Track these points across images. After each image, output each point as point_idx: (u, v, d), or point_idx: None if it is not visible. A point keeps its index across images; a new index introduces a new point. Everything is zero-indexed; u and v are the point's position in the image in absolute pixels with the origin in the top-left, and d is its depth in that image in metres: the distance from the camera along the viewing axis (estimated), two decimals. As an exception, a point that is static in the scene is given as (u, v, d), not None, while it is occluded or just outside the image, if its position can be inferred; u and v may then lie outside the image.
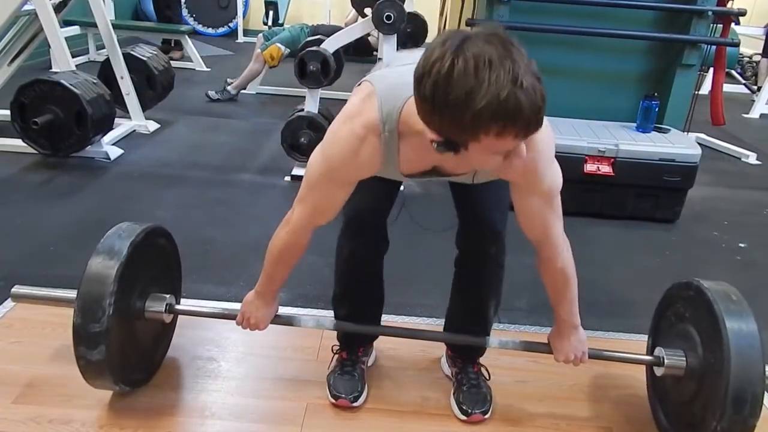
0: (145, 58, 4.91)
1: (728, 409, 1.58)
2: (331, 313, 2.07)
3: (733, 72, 7.99)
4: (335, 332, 2.07)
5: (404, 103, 1.43)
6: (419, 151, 1.46)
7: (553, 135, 1.56)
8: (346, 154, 1.51)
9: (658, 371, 1.86)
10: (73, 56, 4.39)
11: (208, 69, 7.39)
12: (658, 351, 1.86)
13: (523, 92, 1.15)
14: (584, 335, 1.86)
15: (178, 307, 2.00)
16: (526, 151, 1.32)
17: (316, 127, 3.86)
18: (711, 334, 1.69)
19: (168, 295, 1.94)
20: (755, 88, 7.89)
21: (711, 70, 4.16)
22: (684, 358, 1.79)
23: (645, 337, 2.42)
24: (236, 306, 1.93)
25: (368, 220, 1.85)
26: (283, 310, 1.97)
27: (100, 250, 1.76)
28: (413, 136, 1.43)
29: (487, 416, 1.95)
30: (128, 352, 1.84)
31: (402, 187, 1.95)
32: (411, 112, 1.35)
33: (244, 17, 9.80)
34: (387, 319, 2.07)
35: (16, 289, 2.00)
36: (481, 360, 2.07)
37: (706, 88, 4.73)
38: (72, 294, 1.76)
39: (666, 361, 1.82)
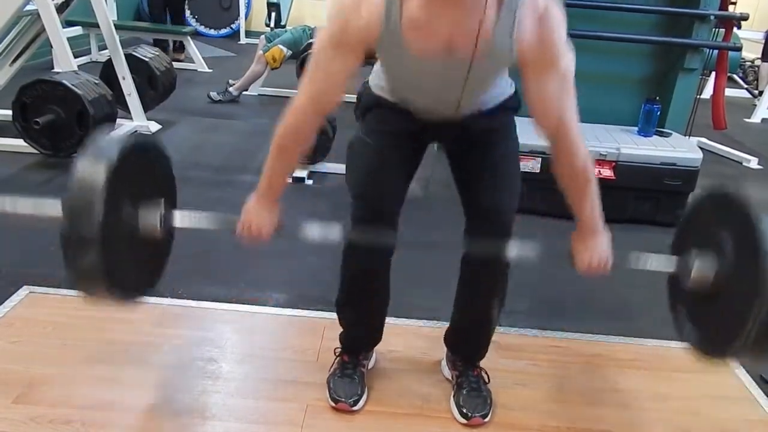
0: (147, 59, 4.91)
1: (762, 316, 1.43)
2: (333, 318, 2.07)
3: (735, 76, 7.99)
4: (337, 335, 2.07)
5: None
6: (424, 11, 1.45)
7: (564, 17, 1.50)
8: (349, 8, 1.49)
9: (686, 278, 1.69)
10: (75, 56, 4.39)
11: (210, 70, 7.40)
12: (686, 256, 1.70)
13: None
14: (608, 240, 1.74)
15: (173, 218, 1.80)
16: (542, 28, 1.40)
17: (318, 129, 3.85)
18: (745, 240, 1.53)
19: (162, 206, 1.75)
20: (757, 92, 7.89)
21: (713, 74, 4.17)
22: (715, 264, 1.63)
23: (645, 341, 2.43)
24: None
25: (379, 219, 1.80)
26: (282, 315, 1.96)
27: (88, 150, 1.58)
28: None
29: (487, 420, 1.94)
30: (121, 262, 1.66)
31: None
32: None
33: (246, 18, 9.81)
34: (387, 321, 2.07)
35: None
36: (481, 363, 2.07)
37: (707, 92, 4.73)
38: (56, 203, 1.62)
39: (695, 266, 1.65)
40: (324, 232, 1.77)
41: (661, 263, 1.78)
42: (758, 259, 1.46)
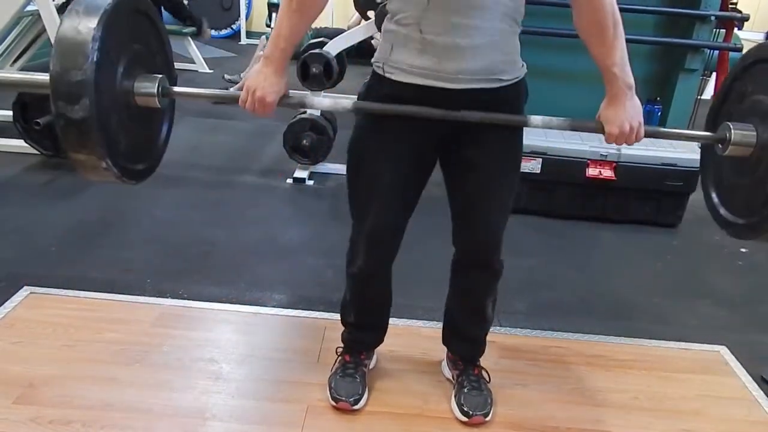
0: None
1: None
2: (334, 320, 2.07)
3: (736, 77, 7.98)
4: (337, 335, 2.07)
5: None
6: None
7: None
8: None
9: (723, 149, 1.60)
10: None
11: (211, 70, 7.40)
12: (725, 126, 1.59)
13: None
14: (639, 105, 1.62)
15: (171, 89, 1.69)
16: None
17: (319, 129, 3.87)
18: None
19: (159, 76, 1.64)
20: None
21: (714, 74, 4.16)
22: (755, 133, 1.55)
23: (646, 342, 2.43)
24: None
25: (386, 237, 1.82)
26: (284, 315, 1.94)
27: (79, 3, 1.46)
28: None
29: (488, 419, 1.94)
30: (117, 128, 1.56)
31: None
32: None
33: (247, 19, 9.81)
34: (390, 323, 2.07)
35: None
36: (482, 363, 2.07)
37: (708, 93, 4.72)
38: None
39: (733, 136, 1.56)
40: (334, 102, 1.69)
41: (696, 135, 1.70)
42: None
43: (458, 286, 1.99)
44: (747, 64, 1.66)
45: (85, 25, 1.40)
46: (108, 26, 1.43)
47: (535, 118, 1.64)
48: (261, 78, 1.63)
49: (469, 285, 1.96)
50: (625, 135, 1.58)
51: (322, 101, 1.70)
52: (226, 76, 6.66)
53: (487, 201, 1.77)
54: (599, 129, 1.61)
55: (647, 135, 1.59)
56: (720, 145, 1.61)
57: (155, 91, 1.61)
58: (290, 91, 1.70)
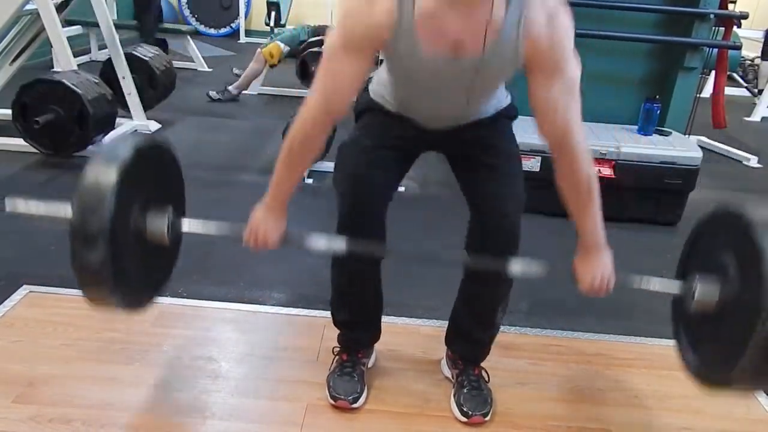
0: (146, 58, 4.92)
1: (761, 346, 1.42)
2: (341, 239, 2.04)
3: (735, 75, 7.99)
4: (336, 334, 2.07)
5: None
6: (436, 8, 1.45)
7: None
8: (361, 8, 1.48)
9: (689, 302, 1.68)
10: (75, 56, 4.39)
11: (210, 69, 7.40)
12: (690, 280, 1.68)
13: None
14: (611, 259, 1.71)
15: (181, 226, 1.81)
16: (550, 30, 1.44)
17: (318, 128, 3.86)
18: (750, 265, 1.51)
19: (171, 213, 1.76)
20: (756, 91, 7.88)
21: (713, 73, 4.17)
22: (718, 289, 1.61)
23: (645, 340, 2.43)
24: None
25: (365, 216, 1.80)
26: (283, 314, 1.95)
27: (101, 151, 1.62)
28: None
29: (487, 418, 1.94)
30: (128, 268, 1.66)
31: (402, 188, 1.93)
32: None
33: (246, 18, 9.81)
34: (387, 321, 2.07)
35: (11, 200, 1.87)
36: (482, 363, 2.07)
37: (707, 91, 4.74)
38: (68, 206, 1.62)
39: (698, 290, 1.64)
40: (329, 243, 1.77)
41: (664, 285, 1.76)
42: (761, 283, 1.44)
43: (468, 291, 1.97)
44: (715, 218, 1.74)
45: (106, 174, 1.54)
46: (127, 175, 1.55)
47: (515, 266, 1.72)
48: (263, 223, 1.76)
49: (480, 290, 1.94)
50: (595, 289, 1.69)
51: (318, 241, 1.77)
52: (235, 70, 6.70)
53: (493, 172, 1.81)
54: (573, 279, 1.73)
55: (617, 285, 1.71)
56: (686, 298, 1.69)
57: (165, 230, 1.73)
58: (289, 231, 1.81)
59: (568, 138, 1.57)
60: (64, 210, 1.66)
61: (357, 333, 2.07)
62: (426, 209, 3.51)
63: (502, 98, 1.84)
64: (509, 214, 1.80)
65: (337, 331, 2.07)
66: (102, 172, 1.54)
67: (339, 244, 1.77)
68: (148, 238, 1.72)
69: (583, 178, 1.62)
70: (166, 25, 7.79)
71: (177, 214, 1.79)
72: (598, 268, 1.69)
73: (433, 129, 1.81)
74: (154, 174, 1.75)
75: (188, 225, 1.82)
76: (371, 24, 1.49)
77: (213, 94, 5.99)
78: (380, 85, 1.84)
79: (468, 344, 2.06)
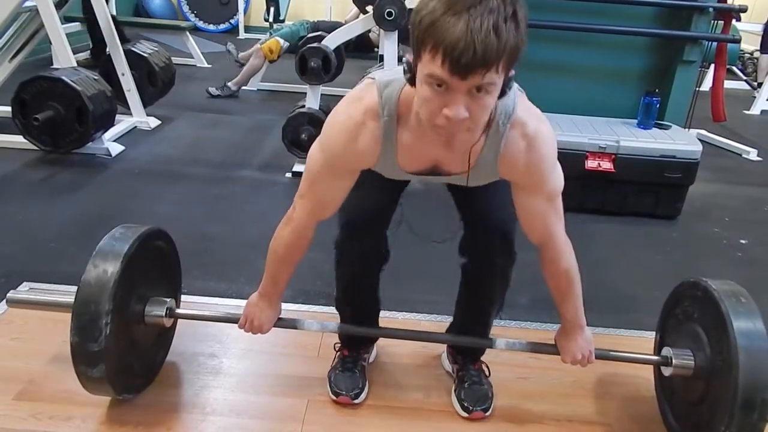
0: (146, 55, 4.92)
1: (737, 413, 1.55)
2: (333, 313, 2.07)
3: (734, 68, 7.98)
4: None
5: (404, 86, 1.43)
6: (417, 140, 1.48)
7: (555, 137, 1.54)
8: (345, 141, 1.51)
9: (666, 371, 1.84)
10: (74, 53, 4.38)
11: (209, 65, 7.39)
12: (666, 351, 1.84)
13: (472, 22, 1.13)
14: (590, 335, 1.85)
15: (178, 310, 1.97)
16: (528, 157, 1.46)
17: (317, 123, 3.86)
18: (719, 335, 1.66)
19: (168, 299, 1.91)
20: (756, 84, 7.87)
21: (712, 66, 4.16)
22: (692, 359, 1.76)
23: (646, 333, 2.42)
24: (239, 306, 1.92)
25: (366, 227, 1.81)
26: (286, 311, 1.95)
27: (93, 263, 1.71)
28: (412, 121, 1.45)
29: (488, 414, 1.94)
30: (129, 360, 1.81)
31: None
32: (410, 92, 1.38)
33: (245, 14, 9.81)
34: (390, 316, 2.07)
35: (12, 295, 1.96)
36: (482, 356, 2.07)
37: (707, 85, 4.72)
38: (71, 298, 1.72)
39: (674, 361, 1.79)
40: (321, 325, 1.97)
41: (642, 358, 1.98)
42: (730, 355, 1.59)
43: (468, 285, 1.97)
44: (693, 290, 1.84)
45: (99, 294, 1.67)
46: (119, 288, 1.69)
47: (500, 342, 1.93)
48: (257, 310, 1.87)
49: (477, 282, 1.94)
50: (577, 362, 1.84)
51: (312, 324, 1.96)
52: (230, 46, 6.70)
53: (493, 195, 1.78)
54: (556, 352, 1.88)
55: (598, 358, 1.86)
56: (663, 367, 1.86)
57: (164, 314, 1.88)
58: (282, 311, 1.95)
59: (548, 241, 1.67)
60: (66, 302, 1.78)
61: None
62: (429, 202, 3.51)
63: None
64: (504, 222, 1.80)
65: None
66: (95, 292, 1.66)
67: (332, 327, 1.96)
68: (146, 325, 1.88)
69: (563, 270, 1.71)
70: (165, 22, 7.77)
71: (175, 299, 1.99)
72: (579, 344, 1.83)
73: None
74: (149, 266, 1.89)
75: (185, 309, 2.02)
76: (354, 156, 1.53)
77: (212, 90, 5.99)
78: None
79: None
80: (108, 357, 1.66)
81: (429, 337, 2.12)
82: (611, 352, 1.92)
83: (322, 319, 2.33)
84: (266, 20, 8.12)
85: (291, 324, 1.95)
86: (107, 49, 4.72)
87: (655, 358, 1.92)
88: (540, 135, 1.49)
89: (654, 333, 2.03)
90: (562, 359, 1.86)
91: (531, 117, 1.49)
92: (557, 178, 1.58)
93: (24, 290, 1.99)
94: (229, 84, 6.03)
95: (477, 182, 1.62)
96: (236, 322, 1.90)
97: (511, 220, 1.78)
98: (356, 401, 1.96)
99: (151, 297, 1.88)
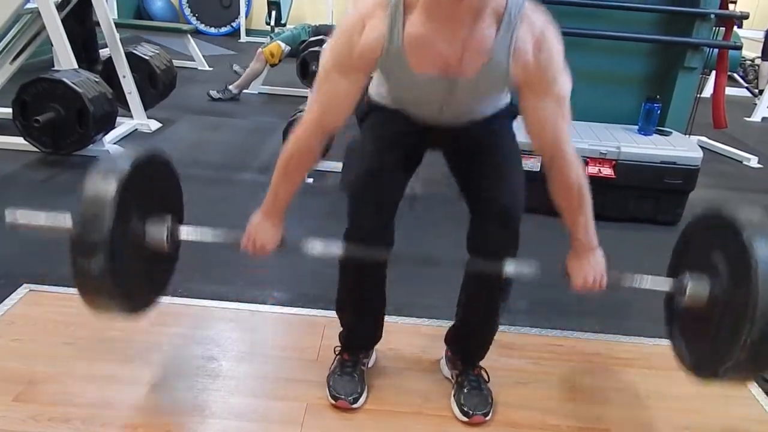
0: (147, 57, 4.92)
1: (753, 339, 1.46)
2: (333, 317, 2.07)
3: (736, 75, 7.99)
4: (337, 333, 2.07)
5: None
6: (425, 32, 1.49)
7: (561, 40, 1.57)
8: (351, 33, 1.54)
9: (680, 298, 1.72)
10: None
11: (211, 68, 7.40)
12: (681, 277, 1.72)
13: None
14: (602, 258, 1.76)
15: (180, 233, 1.83)
16: (539, 53, 1.48)
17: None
18: (738, 261, 1.56)
19: (170, 221, 1.80)
20: (757, 91, 7.88)
21: (713, 72, 4.17)
22: (708, 285, 1.66)
23: (644, 340, 2.43)
24: (237, 306, 1.91)
25: (374, 219, 1.81)
26: (284, 311, 1.95)
27: (100, 166, 1.63)
28: (419, 13, 1.48)
29: (488, 418, 1.94)
30: (128, 275, 1.70)
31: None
32: None
33: (246, 17, 9.82)
34: (388, 320, 2.07)
35: (11, 212, 1.88)
36: (481, 362, 2.07)
37: (708, 91, 4.73)
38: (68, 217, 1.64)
39: (689, 287, 1.68)
40: (326, 248, 1.80)
41: (656, 283, 1.80)
42: (749, 280, 1.49)
43: (469, 286, 1.97)
44: (707, 216, 1.78)
45: (105, 187, 1.56)
46: (127, 187, 1.59)
47: (509, 266, 1.75)
48: (260, 229, 1.81)
49: (481, 290, 1.93)
50: (587, 286, 1.72)
51: (315, 246, 1.79)
52: (235, 67, 6.73)
53: (500, 169, 1.83)
54: (566, 277, 1.76)
55: (609, 285, 1.75)
56: (677, 295, 1.74)
57: (165, 237, 1.77)
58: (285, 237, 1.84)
59: (558, 150, 1.63)
60: (64, 220, 1.68)
61: (361, 332, 2.07)
62: (429, 208, 3.51)
63: (501, 99, 1.84)
64: (508, 209, 1.80)
65: (338, 331, 2.07)
66: (102, 183, 1.57)
67: (335, 249, 1.80)
68: (147, 245, 1.76)
69: (574, 182, 1.67)
70: (167, 24, 7.78)
71: (175, 222, 1.83)
72: (591, 267, 1.73)
73: (432, 125, 1.82)
74: (152, 185, 1.79)
75: (186, 233, 1.85)
76: (362, 46, 1.54)
77: (214, 93, 5.99)
78: (380, 85, 1.86)
79: (468, 342, 2.06)
80: (109, 249, 1.54)
81: (440, 260, 1.92)
82: (625, 279, 1.79)
83: (321, 323, 2.33)
84: (268, 23, 8.14)
85: (295, 246, 1.84)
86: (94, 55, 4.73)
87: (670, 284, 1.78)
88: (549, 32, 1.53)
89: (653, 339, 2.03)
90: (572, 284, 1.75)
91: (540, 15, 1.53)
92: (566, 81, 1.58)
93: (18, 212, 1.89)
94: (231, 87, 6.04)
95: (487, 90, 1.65)
96: (239, 245, 1.83)
97: (519, 207, 1.80)
98: (355, 405, 1.96)
99: (152, 218, 1.78)
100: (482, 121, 1.82)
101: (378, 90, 1.88)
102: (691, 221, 1.86)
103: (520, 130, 1.75)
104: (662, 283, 1.80)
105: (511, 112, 1.87)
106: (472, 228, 1.85)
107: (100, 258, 1.54)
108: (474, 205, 1.85)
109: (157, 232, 1.76)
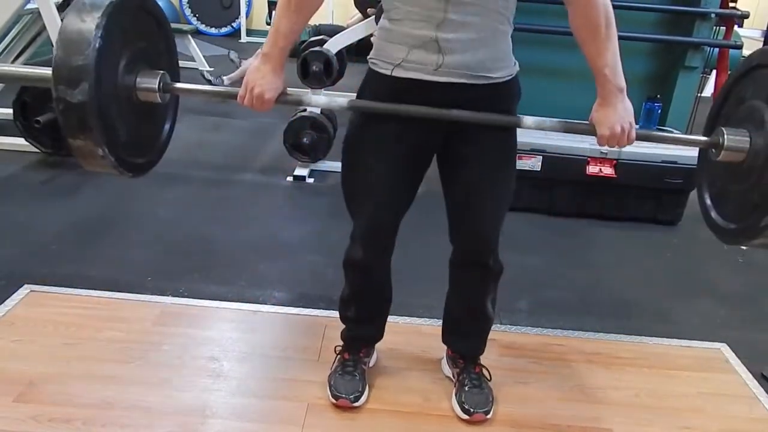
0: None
1: None
2: (335, 317, 2.07)
3: (736, 74, 7.97)
4: (338, 333, 2.07)
5: None
6: None
7: None
8: None
9: (716, 154, 1.60)
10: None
11: (212, 68, 7.39)
12: (718, 131, 1.60)
13: None
14: (630, 107, 1.60)
15: (173, 85, 1.71)
16: None
17: (319, 127, 3.87)
18: None
19: (162, 72, 1.67)
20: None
21: (714, 72, 4.16)
22: (748, 139, 1.55)
23: (646, 339, 2.43)
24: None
25: (381, 235, 1.83)
26: (285, 311, 1.94)
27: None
28: None
29: (489, 416, 1.94)
30: (117, 124, 1.59)
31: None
32: None
33: (247, 17, 9.81)
34: (388, 320, 2.07)
35: None
36: (482, 361, 2.07)
37: (708, 91, 4.73)
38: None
39: (727, 141, 1.57)
40: (329, 100, 1.72)
41: (690, 138, 1.69)
42: None
43: (456, 285, 1.99)
44: (748, 68, 1.66)
45: (90, 15, 1.45)
46: (112, 18, 1.48)
47: (528, 119, 1.63)
48: (259, 75, 1.66)
49: (466, 284, 1.96)
50: (616, 137, 1.58)
51: (318, 99, 1.73)
52: (232, 54, 6.73)
53: (481, 197, 1.77)
54: (592, 131, 1.61)
55: (639, 138, 1.59)
56: (713, 150, 1.63)
57: (156, 86, 1.64)
58: (288, 88, 1.71)
59: None
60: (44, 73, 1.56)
61: (363, 329, 2.07)
62: (428, 207, 3.51)
63: (509, 60, 1.69)
64: (487, 241, 1.82)
65: (340, 330, 2.07)
66: (86, 11, 1.46)
67: (340, 102, 1.72)
68: (138, 95, 1.65)
69: (600, 8, 1.53)
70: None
71: (169, 74, 1.70)
72: (617, 115, 1.58)
73: (437, 84, 1.61)
74: (141, 32, 1.66)
75: (179, 86, 1.73)
76: None
77: (206, 74, 6.10)
78: (380, 39, 1.71)
79: (462, 339, 2.07)
80: (94, 77, 1.43)
81: (449, 115, 1.62)
82: (655, 133, 1.67)
83: (322, 323, 2.34)
84: (268, 24, 8.12)
85: (295, 100, 1.75)
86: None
87: (706, 139, 1.67)
88: None
89: (654, 339, 2.03)
90: (598, 135, 1.60)
91: None
92: None
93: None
94: (224, 78, 6.08)
95: None
96: (234, 98, 1.69)
97: (497, 235, 1.80)
98: (356, 404, 1.96)
99: (143, 69, 1.66)
100: (488, 95, 1.65)
101: (378, 50, 1.71)
102: (737, 68, 1.72)
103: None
104: (696, 140, 1.71)
105: (515, 90, 1.74)
106: (453, 243, 1.88)
107: (84, 87, 1.43)
108: (454, 228, 1.87)
109: (149, 80, 1.64)
